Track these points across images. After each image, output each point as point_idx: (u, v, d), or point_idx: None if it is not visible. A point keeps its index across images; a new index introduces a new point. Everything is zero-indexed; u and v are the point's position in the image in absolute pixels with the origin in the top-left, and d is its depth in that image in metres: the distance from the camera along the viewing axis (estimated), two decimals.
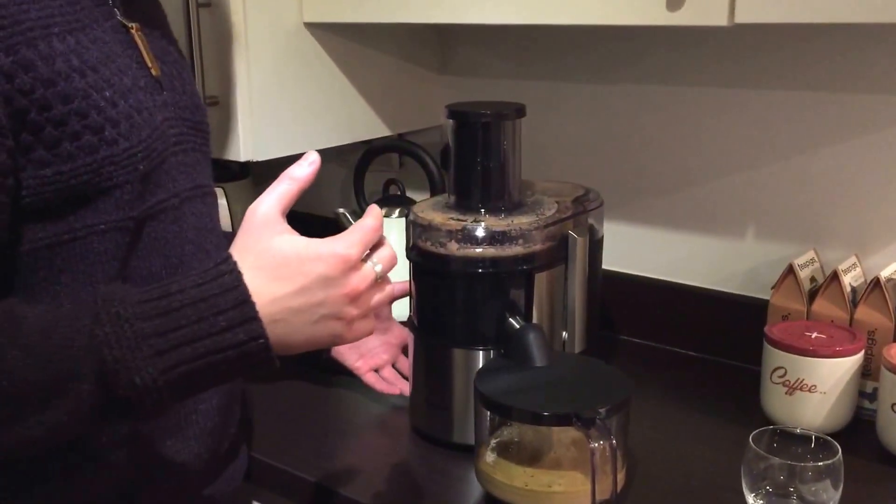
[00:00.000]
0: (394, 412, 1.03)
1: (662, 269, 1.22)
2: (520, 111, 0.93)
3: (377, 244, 0.68)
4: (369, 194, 1.35)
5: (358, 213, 1.31)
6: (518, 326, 0.90)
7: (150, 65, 0.77)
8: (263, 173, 1.60)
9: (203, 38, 1.07)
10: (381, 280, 0.68)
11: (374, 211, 0.70)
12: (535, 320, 0.92)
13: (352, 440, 0.99)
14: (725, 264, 1.17)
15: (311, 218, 1.60)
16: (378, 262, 0.67)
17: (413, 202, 1.27)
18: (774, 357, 0.95)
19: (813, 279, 1.03)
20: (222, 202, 1.38)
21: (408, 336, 1.00)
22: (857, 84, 1.03)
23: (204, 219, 0.82)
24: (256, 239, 0.64)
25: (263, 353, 0.62)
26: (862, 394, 0.96)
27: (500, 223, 0.90)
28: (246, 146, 1.12)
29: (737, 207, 1.15)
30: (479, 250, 0.89)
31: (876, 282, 0.95)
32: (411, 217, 0.95)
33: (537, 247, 0.91)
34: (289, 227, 0.66)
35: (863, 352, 0.93)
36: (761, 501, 0.78)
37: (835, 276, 0.98)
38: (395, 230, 1.22)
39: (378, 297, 0.68)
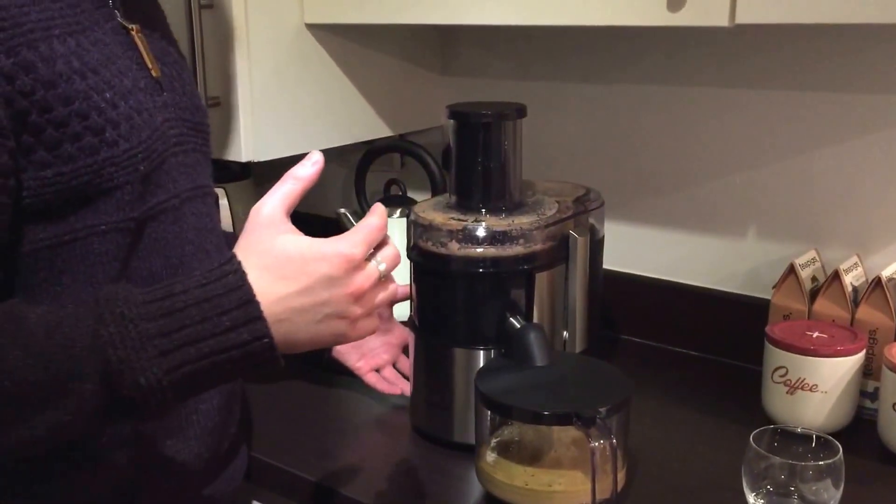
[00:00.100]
0: (394, 412, 1.03)
1: (663, 268, 1.22)
2: (520, 111, 0.93)
3: (381, 243, 0.69)
4: (370, 194, 1.35)
5: (359, 214, 1.32)
6: (519, 326, 0.90)
7: (150, 66, 0.77)
8: (265, 174, 1.61)
9: (205, 39, 1.07)
10: (384, 279, 0.68)
11: (378, 209, 0.70)
12: (535, 320, 0.92)
13: (352, 440, 0.99)
14: (726, 264, 1.17)
15: (312, 218, 1.60)
16: (382, 260, 0.68)
17: (414, 202, 1.27)
18: (776, 356, 0.95)
19: (814, 279, 1.03)
20: (223, 202, 1.38)
21: (408, 336, 1.00)
22: (858, 84, 1.03)
23: (204, 219, 0.82)
24: (260, 239, 0.65)
25: (268, 352, 0.62)
26: (863, 393, 0.96)
27: (501, 223, 0.90)
28: (247, 147, 1.12)
29: (738, 207, 1.15)
30: (479, 250, 0.90)
31: (877, 281, 0.95)
32: (412, 217, 0.95)
33: (538, 247, 0.91)
34: (293, 227, 0.66)
35: (864, 351, 0.93)
36: (762, 501, 0.78)
37: (836, 276, 0.98)
38: (396, 230, 1.22)
39: (382, 296, 0.69)
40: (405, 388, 1.03)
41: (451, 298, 0.93)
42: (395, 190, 1.36)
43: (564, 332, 0.97)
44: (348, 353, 1.06)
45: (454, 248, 0.90)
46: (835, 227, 1.08)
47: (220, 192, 1.36)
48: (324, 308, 0.64)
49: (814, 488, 0.76)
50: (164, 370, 0.60)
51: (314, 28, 1.15)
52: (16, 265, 0.69)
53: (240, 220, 1.43)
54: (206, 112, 0.89)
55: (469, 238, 0.90)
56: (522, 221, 0.91)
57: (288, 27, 1.13)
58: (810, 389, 0.92)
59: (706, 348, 1.17)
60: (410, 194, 1.34)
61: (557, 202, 0.96)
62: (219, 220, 0.89)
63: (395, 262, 0.69)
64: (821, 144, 1.07)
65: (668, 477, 0.89)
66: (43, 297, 0.70)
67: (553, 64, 1.26)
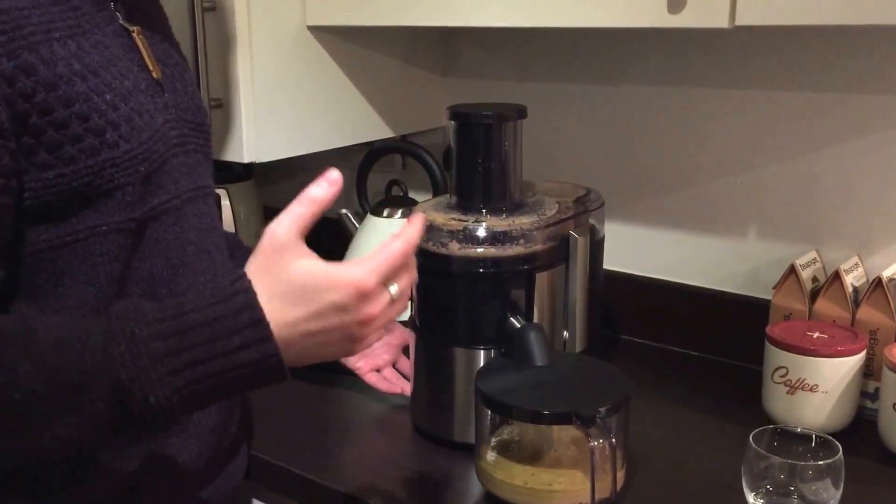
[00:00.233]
0: (395, 411, 1.04)
1: (664, 269, 1.22)
2: (521, 112, 0.93)
3: (403, 266, 0.66)
4: (372, 195, 1.35)
5: (360, 214, 1.32)
6: (519, 326, 0.90)
7: (151, 67, 0.77)
8: (267, 174, 1.62)
9: (207, 41, 1.08)
10: (396, 300, 0.67)
11: (406, 234, 0.67)
12: (535, 320, 0.92)
13: (353, 439, 1.00)
14: (727, 264, 1.17)
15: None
16: (397, 284, 0.66)
17: (415, 203, 1.27)
18: (776, 357, 0.95)
19: (815, 279, 1.04)
20: (225, 203, 1.38)
21: (409, 336, 1.00)
22: (859, 85, 1.03)
23: (205, 219, 0.83)
24: (272, 262, 0.64)
25: (277, 370, 0.63)
26: (864, 394, 0.96)
27: (502, 223, 0.91)
28: (249, 148, 1.12)
29: (738, 207, 1.15)
30: (480, 250, 0.90)
31: (878, 281, 0.95)
32: None
33: (538, 247, 0.91)
34: (306, 251, 0.64)
35: (864, 351, 0.93)
36: (762, 500, 0.78)
37: (836, 276, 0.98)
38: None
39: (391, 314, 0.68)
40: (405, 387, 1.03)
41: (451, 298, 0.93)
42: (396, 191, 1.37)
43: (564, 332, 0.97)
44: None
45: (455, 248, 0.90)
46: (835, 227, 1.08)
47: (221, 192, 1.37)
48: (333, 333, 0.64)
49: (813, 488, 0.76)
50: (174, 389, 0.61)
51: (316, 30, 1.16)
52: (18, 266, 0.69)
53: (241, 220, 1.43)
54: (208, 113, 0.89)
55: (470, 238, 0.90)
56: (523, 222, 0.91)
57: (290, 29, 1.14)
58: (811, 390, 0.92)
59: (707, 348, 1.17)
60: (412, 195, 1.35)
61: (558, 202, 0.97)
62: (220, 221, 0.89)
63: (410, 286, 0.68)
64: (821, 145, 1.07)
65: (667, 477, 0.89)
66: (45, 298, 0.70)
67: (554, 65, 1.26)
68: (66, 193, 0.68)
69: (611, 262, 1.19)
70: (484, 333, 0.92)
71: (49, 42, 0.67)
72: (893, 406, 0.89)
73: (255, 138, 1.12)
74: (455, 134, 0.94)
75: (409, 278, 0.67)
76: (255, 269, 0.64)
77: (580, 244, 0.94)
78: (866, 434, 0.93)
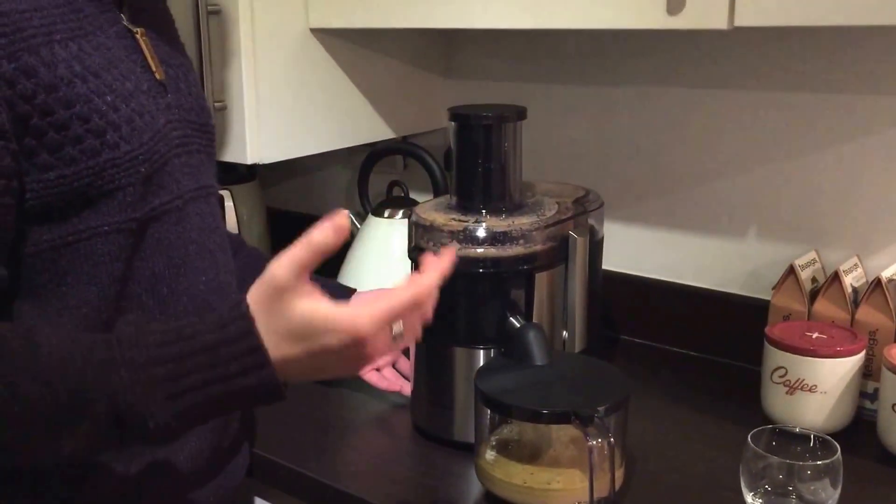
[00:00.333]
0: (395, 410, 1.04)
1: (663, 269, 1.22)
2: (521, 113, 0.93)
3: (412, 310, 0.65)
4: (373, 196, 1.36)
5: (362, 215, 1.33)
6: (518, 326, 0.90)
7: (154, 69, 0.78)
8: (270, 176, 1.62)
9: (212, 44, 1.08)
10: (399, 338, 0.66)
11: (423, 280, 0.64)
12: (535, 320, 0.93)
13: (354, 437, 1.00)
14: (726, 265, 1.17)
15: (316, 219, 1.61)
16: (402, 325, 0.65)
17: (416, 203, 1.27)
18: (775, 357, 0.95)
19: (814, 279, 1.04)
20: (229, 204, 1.39)
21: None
22: (859, 85, 1.03)
23: (208, 219, 0.83)
24: (272, 301, 0.63)
25: (274, 393, 0.64)
26: (863, 394, 0.96)
27: (501, 224, 0.91)
28: (252, 149, 1.13)
29: (738, 208, 1.15)
30: (480, 250, 0.90)
31: (877, 282, 0.95)
32: (413, 218, 0.96)
33: (538, 247, 0.92)
34: (307, 291, 0.63)
35: (864, 352, 0.93)
36: (760, 500, 0.78)
37: (836, 277, 0.98)
38: (398, 232, 1.23)
39: (392, 350, 0.67)
40: (404, 386, 1.03)
41: (451, 298, 0.93)
42: (397, 191, 1.37)
43: (564, 332, 0.97)
44: None
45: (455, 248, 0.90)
46: (835, 228, 1.08)
47: (225, 193, 1.38)
48: (330, 370, 0.65)
49: (812, 488, 0.76)
50: (172, 414, 0.63)
51: (319, 32, 1.16)
52: (20, 265, 0.70)
53: (244, 221, 1.43)
54: (212, 113, 0.90)
55: (470, 238, 0.90)
56: (522, 222, 0.91)
57: (293, 31, 1.14)
58: (809, 390, 0.93)
59: (706, 349, 1.17)
60: (413, 196, 1.35)
61: (557, 203, 0.97)
62: (223, 221, 0.90)
63: (416, 333, 0.67)
64: (821, 146, 1.07)
65: (666, 476, 0.89)
66: (48, 297, 0.71)
67: (554, 67, 1.27)
68: (68, 194, 0.69)
69: (610, 263, 1.19)
70: (484, 333, 0.92)
71: (50, 44, 0.68)
72: (892, 407, 0.89)
73: (258, 140, 1.13)
74: (455, 135, 0.94)
75: (419, 318, 0.66)
76: (255, 304, 0.63)
77: (579, 244, 0.94)
78: (865, 434, 0.93)
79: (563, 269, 0.95)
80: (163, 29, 0.85)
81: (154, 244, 0.76)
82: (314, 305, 0.62)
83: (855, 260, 1.03)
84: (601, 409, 0.78)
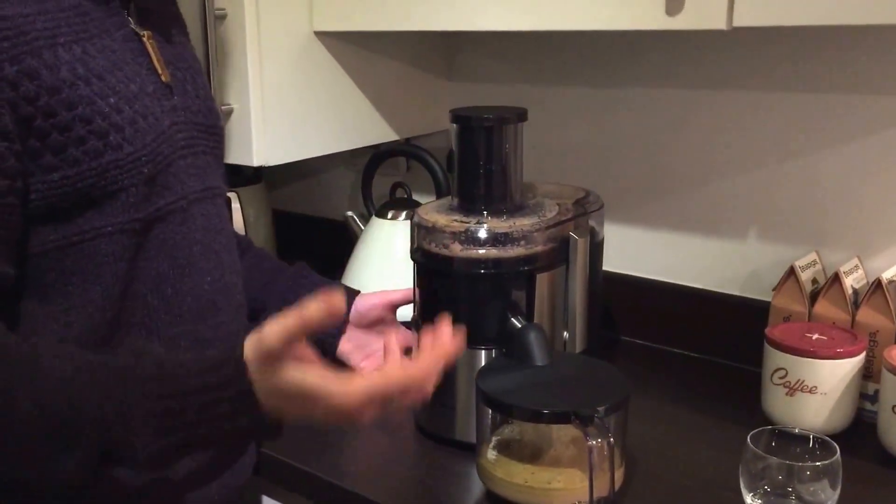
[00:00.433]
0: (398, 411, 1.04)
1: (664, 270, 1.23)
2: (521, 115, 0.94)
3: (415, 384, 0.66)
4: (377, 197, 1.37)
5: (366, 217, 1.33)
6: (519, 326, 0.91)
7: (160, 71, 0.79)
8: (275, 178, 1.63)
9: (218, 47, 1.10)
10: (392, 408, 0.67)
11: (418, 363, 0.66)
12: (536, 320, 0.93)
13: (358, 437, 1.00)
14: (727, 266, 1.17)
15: (320, 221, 1.62)
16: (395, 401, 0.66)
17: (419, 205, 1.28)
18: (775, 358, 0.95)
19: (815, 281, 1.04)
20: (236, 206, 1.40)
21: (411, 338, 1.01)
22: (860, 86, 1.03)
23: (213, 220, 0.84)
24: (263, 360, 0.64)
25: (270, 433, 0.66)
26: (864, 396, 0.97)
27: (503, 225, 0.91)
28: (258, 151, 1.14)
29: (739, 209, 1.15)
30: (481, 251, 0.91)
31: (877, 283, 0.95)
32: (415, 219, 0.96)
33: (539, 248, 0.92)
34: (298, 357, 0.64)
35: (864, 353, 0.93)
36: (759, 501, 0.78)
37: (836, 278, 0.98)
38: (401, 233, 1.24)
39: (383, 414, 0.67)
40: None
41: (453, 299, 0.94)
42: (400, 193, 1.38)
43: (565, 333, 0.98)
44: (352, 354, 1.08)
45: (457, 249, 0.91)
46: (836, 229, 1.08)
47: (232, 195, 1.39)
48: (317, 422, 0.66)
49: (811, 489, 0.76)
50: (162, 448, 0.64)
51: (323, 35, 1.17)
52: (27, 266, 0.71)
53: (251, 223, 1.44)
54: (220, 115, 0.90)
55: (471, 240, 0.91)
56: (523, 223, 0.92)
57: (297, 35, 1.15)
58: (810, 391, 0.93)
59: (706, 350, 1.17)
60: (416, 197, 1.36)
61: (558, 204, 0.97)
62: (230, 222, 0.90)
63: (413, 405, 0.69)
64: (821, 147, 1.08)
65: (666, 476, 0.89)
66: (54, 296, 0.72)
67: (555, 68, 1.27)
68: (72, 195, 0.70)
69: (610, 264, 1.20)
70: (485, 333, 0.92)
71: (53, 47, 0.69)
72: (893, 408, 0.89)
73: (264, 142, 1.14)
74: (457, 136, 0.95)
75: (417, 396, 0.66)
76: (250, 354, 0.64)
77: (580, 245, 0.95)
78: (866, 436, 0.94)
79: (563, 269, 0.95)
80: (171, 32, 0.86)
81: (158, 245, 0.77)
82: (303, 375, 0.63)
83: (856, 261, 1.03)
84: (601, 409, 0.79)
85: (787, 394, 0.94)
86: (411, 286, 0.99)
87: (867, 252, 1.06)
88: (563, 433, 0.85)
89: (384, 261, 1.25)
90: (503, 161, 0.94)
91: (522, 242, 0.91)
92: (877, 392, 0.94)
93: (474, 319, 0.93)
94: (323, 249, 1.46)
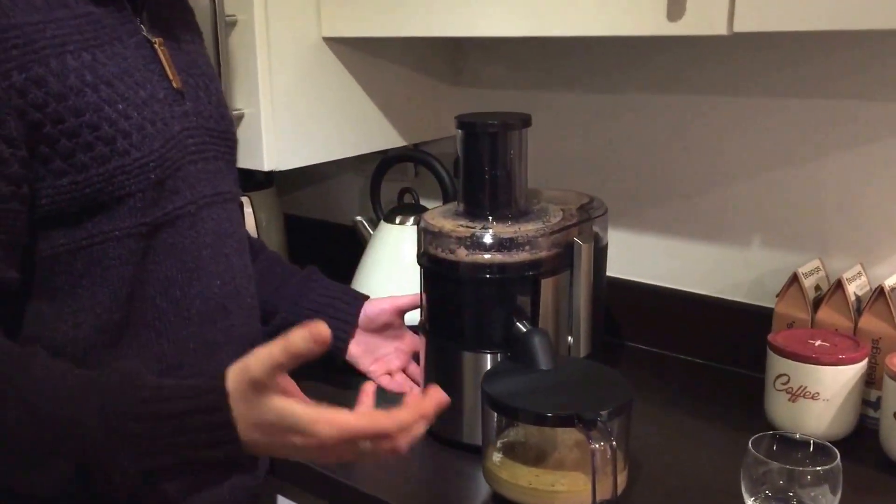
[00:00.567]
0: (371, 458, 1.05)
1: (668, 276, 1.23)
2: (526, 121, 0.95)
3: (385, 435, 0.66)
4: (385, 203, 1.38)
5: (374, 221, 1.35)
6: (524, 331, 0.91)
7: (171, 77, 0.80)
8: (286, 182, 1.65)
9: (229, 53, 1.11)
10: (366, 453, 0.67)
11: (398, 416, 0.66)
12: (540, 325, 0.94)
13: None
14: (731, 272, 1.17)
15: (330, 225, 1.63)
16: (372, 446, 0.66)
17: (426, 210, 1.29)
18: (778, 364, 0.95)
19: (818, 287, 1.04)
20: (248, 210, 1.41)
21: (419, 343, 1.02)
22: (864, 92, 1.03)
23: (224, 224, 0.85)
24: (247, 390, 0.65)
25: (240, 468, 0.67)
26: (867, 402, 0.97)
27: (508, 230, 0.92)
28: (269, 156, 1.15)
29: (742, 216, 1.15)
30: (487, 256, 0.91)
31: (880, 290, 0.95)
32: (422, 224, 0.97)
33: (543, 253, 0.93)
34: (282, 387, 0.65)
35: (866, 360, 0.93)
36: None
37: (839, 285, 0.98)
38: (409, 238, 1.25)
39: (358, 459, 0.69)
40: (415, 390, 1.05)
41: (459, 303, 0.95)
42: (408, 198, 1.38)
43: (569, 337, 0.98)
44: (361, 357, 1.09)
45: (462, 254, 0.92)
46: (839, 236, 1.08)
47: (245, 200, 1.40)
48: (295, 457, 0.70)
49: (812, 494, 0.76)
50: (139, 471, 0.65)
51: (331, 41, 1.18)
52: (35, 268, 0.72)
53: (262, 227, 1.46)
54: (233, 121, 0.91)
55: (477, 245, 0.92)
56: (528, 229, 0.92)
57: (306, 41, 1.16)
58: (812, 397, 0.93)
59: (710, 355, 1.18)
60: (423, 203, 1.37)
61: (562, 210, 0.98)
62: (241, 226, 0.91)
63: (385, 456, 0.68)
64: (825, 153, 1.07)
65: (668, 480, 0.90)
66: (64, 298, 0.74)
67: (560, 74, 1.28)
68: (80, 199, 0.71)
69: (614, 270, 1.20)
70: (491, 338, 0.93)
71: (62, 55, 0.70)
72: (894, 415, 0.89)
73: (274, 147, 1.15)
74: (462, 142, 0.96)
75: (390, 445, 0.66)
76: (233, 385, 0.65)
77: (584, 251, 0.95)
78: (868, 442, 0.94)
79: (568, 275, 0.96)
80: (185, 40, 0.87)
81: (168, 248, 0.78)
82: (285, 405, 0.64)
83: (858, 268, 1.03)
84: (604, 412, 0.79)
85: (789, 400, 0.95)
86: (419, 291, 1.00)
87: (870, 259, 1.06)
88: (568, 436, 0.86)
89: (392, 265, 1.25)
90: (508, 167, 0.95)
91: (527, 248, 0.92)
92: (879, 399, 0.94)
93: (480, 324, 0.94)
94: (333, 253, 1.47)
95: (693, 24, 0.85)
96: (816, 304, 1.01)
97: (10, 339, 0.71)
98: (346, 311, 1.06)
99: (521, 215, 0.95)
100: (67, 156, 0.70)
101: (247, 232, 0.95)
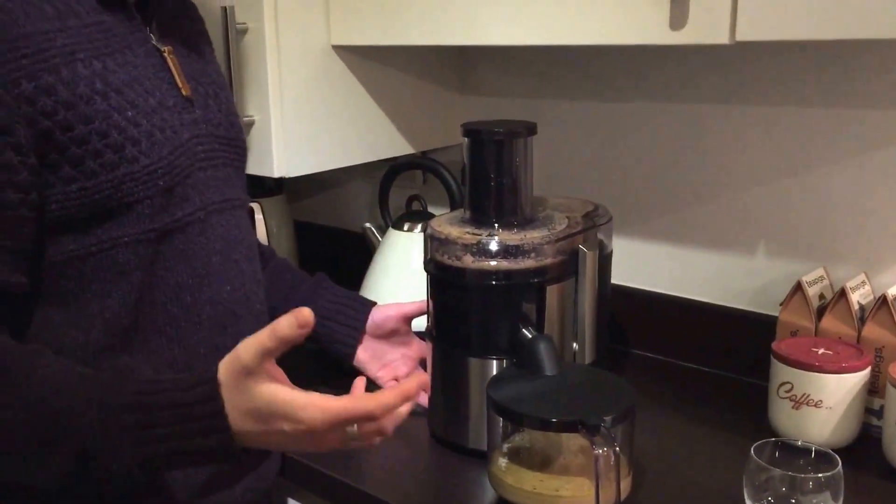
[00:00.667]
0: (414, 419, 1.04)
1: (672, 284, 1.23)
2: (531, 129, 0.95)
3: (369, 418, 0.67)
4: (394, 210, 1.39)
5: (383, 228, 1.36)
6: (530, 337, 0.92)
7: (180, 85, 0.81)
8: (296, 189, 1.66)
9: (240, 60, 1.12)
10: (354, 438, 0.68)
11: (385, 398, 0.67)
12: (546, 331, 0.94)
13: (378, 445, 1.02)
14: (735, 280, 1.18)
15: (339, 232, 1.65)
16: (358, 430, 0.68)
17: (434, 217, 1.29)
18: (781, 372, 0.96)
19: (822, 296, 1.04)
20: (259, 217, 1.42)
21: (425, 349, 1.02)
22: (868, 101, 1.04)
23: (233, 230, 0.86)
24: (238, 381, 0.67)
25: (231, 457, 0.68)
26: (870, 411, 0.97)
27: (513, 237, 0.93)
28: (279, 163, 1.16)
29: (747, 224, 1.15)
30: (493, 263, 0.92)
31: (883, 300, 0.96)
32: (429, 231, 0.98)
33: (549, 260, 0.94)
34: (271, 376, 0.67)
35: (869, 368, 0.94)
36: None
37: (843, 294, 0.99)
38: (417, 244, 1.26)
39: (345, 446, 0.70)
40: (422, 396, 1.06)
41: (465, 309, 0.95)
42: (416, 205, 1.39)
43: (574, 344, 0.99)
44: (369, 363, 1.09)
45: (468, 261, 0.93)
46: (843, 245, 1.08)
47: (255, 206, 1.41)
48: (284, 447, 0.69)
49: (814, 500, 0.77)
50: (135, 461, 0.66)
51: (340, 49, 1.19)
52: (47, 273, 0.74)
53: (273, 233, 1.47)
54: (242, 128, 0.92)
55: (483, 251, 0.92)
56: (534, 236, 0.93)
57: (316, 49, 1.17)
58: (815, 405, 0.93)
59: (714, 363, 1.18)
60: (431, 210, 1.37)
61: (567, 217, 0.99)
62: (251, 232, 0.92)
63: (377, 433, 0.69)
64: (829, 162, 1.08)
65: (672, 487, 0.90)
66: (73, 302, 0.75)
67: (565, 83, 1.28)
68: (89, 206, 0.72)
69: (619, 277, 1.21)
70: (496, 344, 0.94)
71: (72, 63, 0.71)
72: None
73: (283, 154, 1.16)
74: (468, 150, 0.97)
75: (377, 427, 0.68)
76: (225, 376, 0.67)
77: (589, 258, 0.96)
78: (871, 450, 0.94)
79: (573, 282, 0.97)
80: (194, 48, 0.88)
81: (178, 254, 0.79)
82: (274, 390, 0.66)
83: (862, 277, 1.04)
84: (607, 418, 0.80)
85: (793, 407, 0.95)
86: (425, 297, 1.01)
87: (874, 268, 1.06)
88: (573, 442, 0.86)
89: (401, 272, 1.26)
90: (514, 174, 0.95)
91: (533, 255, 0.93)
92: (882, 407, 0.94)
93: (486, 330, 0.95)
94: (342, 260, 1.48)
95: (695, 33, 0.85)
96: (820, 312, 1.02)
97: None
98: (354, 317, 1.07)
99: (526, 222, 0.96)
100: (77, 163, 0.71)
101: (256, 238, 0.96)
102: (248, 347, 0.66)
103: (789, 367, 0.95)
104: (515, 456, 0.88)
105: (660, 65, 1.19)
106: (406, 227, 1.30)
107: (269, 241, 1.44)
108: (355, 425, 0.67)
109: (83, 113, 0.71)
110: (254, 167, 1.16)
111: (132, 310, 0.76)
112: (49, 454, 0.66)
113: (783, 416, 0.96)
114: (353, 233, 1.56)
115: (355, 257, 1.42)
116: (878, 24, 0.76)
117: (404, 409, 0.69)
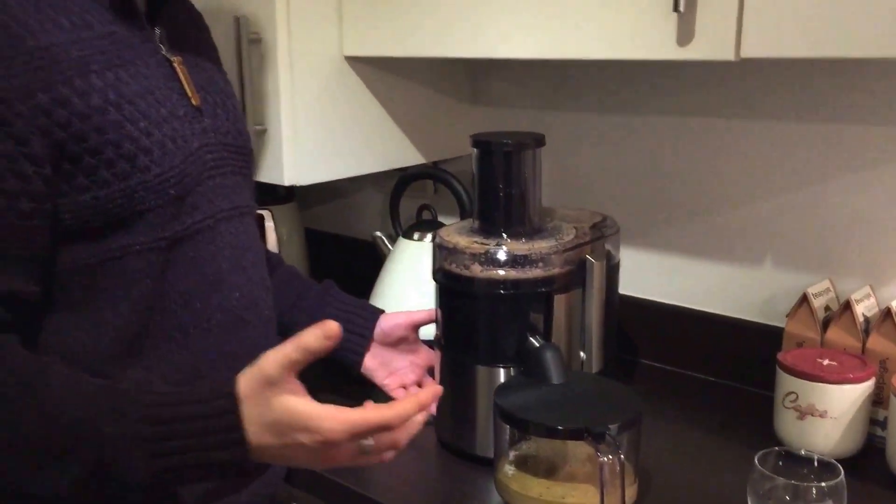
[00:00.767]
0: (374, 455, 1.07)
1: (679, 295, 1.24)
2: (539, 141, 0.96)
3: (385, 428, 0.69)
4: (404, 219, 1.40)
5: (393, 237, 1.37)
6: (537, 346, 0.93)
7: (190, 95, 0.82)
8: (307, 197, 1.67)
9: (252, 70, 1.13)
10: (369, 452, 0.69)
11: (402, 408, 0.69)
12: (553, 340, 0.95)
13: (388, 460, 1.04)
14: (742, 292, 1.18)
15: (350, 240, 1.66)
16: (374, 442, 0.69)
17: (444, 226, 1.30)
18: (787, 382, 0.96)
19: (828, 308, 1.05)
20: (270, 224, 1.44)
21: (434, 357, 1.03)
22: (874, 116, 1.04)
23: (242, 237, 0.86)
24: (260, 390, 0.67)
25: (245, 472, 0.69)
26: (875, 421, 0.98)
27: (522, 247, 0.94)
28: (290, 171, 1.17)
29: (754, 236, 1.16)
30: (501, 273, 0.93)
31: (888, 312, 0.96)
32: (438, 241, 0.99)
33: (556, 270, 0.94)
34: (293, 388, 0.68)
35: (873, 379, 0.94)
36: None
37: (848, 306, 0.99)
38: (427, 254, 1.26)
39: (359, 462, 0.70)
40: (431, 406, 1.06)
41: (473, 318, 0.96)
42: (427, 215, 1.40)
43: (581, 353, 1.00)
44: (377, 371, 1.09)
45: (477, 270, 0.94)
46: (849, 258, 1.09)
47: (266, 214, 1.43)
48: (298, 461, 0.70)
49: None
50: (151, 472, 0.67)
51: (353, 60, 1.20)
52: (59, 281, 0.74)
53: (283, 241, 1.48)
54: (250, 137, 0.93)
55: (491, 261, 0.93)
56: (542, 246, 0.94)
57: (328, 59, 1.18)
58: (820, 415, 0.94)
59: (720, 373, 1.19)
60: (442, 219, 1.37)
61: (575, 228, 0.99)
62: (259, 239, 0.93)
63: (391, 445, 0.70)
64: (835, 175, 1.08)
65: (678, 495, 0.91)
66: (86, 311, 0.75)
67: (574, 96, 1.29)
68: (102, 214, 0.73)
69: (626, 288, 1.21)
70: (504, 352, 0.95)
71: (86, 74, 0.72)
72: None
73: (294, 162, 1.17)
74: (477, 161, 0.97)
75: (391, 439, 0.69)
76: (245, 388, 0.67)
77: (596, 269, 0.97)
78: (875, 461, 0.95)
79: (580, 292, 0.97)
80: (202, 58, 0.89)
81: (188, 261, 0.80)
82: (295, 402, 0.67)
83: (867, 289, 1.04)
84: (613, 426, 0.81)
85: (798, 417, 0.95)
86: (434, 306, 1.02)
87: (879, 281, 1.06)
88: (580, 450, 0.87)
89: (410, 281, 1.27)
90: (522, 185, 0.96)
91: (540, 264, 0.93)
92: (886, 418, 0.95)
93: (494, 338, 0.96)
94: (352, 268, 1.49)
95: (701, 49, 0.86)
96: (826, 324, 1.02)
97: (30, 349, 0.73)
98: (362, 324, 1.08)
99: (534, 233, 0.97)
100: (90, 172, 0.72)
101: (264, 245, 0.97)
102: (273, 360, 0.66)
103: (795, 378, 0.95)
104: (522, 463, 0.89)
105: (667, 78, 1.20)
106: (416, 237, 1.30)
107: (279, 249, 1.45)
108: (371, 438, 0.68)
109: (97, 124, 0.72)
110: (264, 175, 1.17)
111: (142, 316, 0.77)
112: (65, 465, 0.67)
113: (788, 426, 0.97)
114: (363, 241, 1.57)
115: (365, 265, 1.42)
116: (880, 43, 0.77)
117: (418, 418, 0.70)
